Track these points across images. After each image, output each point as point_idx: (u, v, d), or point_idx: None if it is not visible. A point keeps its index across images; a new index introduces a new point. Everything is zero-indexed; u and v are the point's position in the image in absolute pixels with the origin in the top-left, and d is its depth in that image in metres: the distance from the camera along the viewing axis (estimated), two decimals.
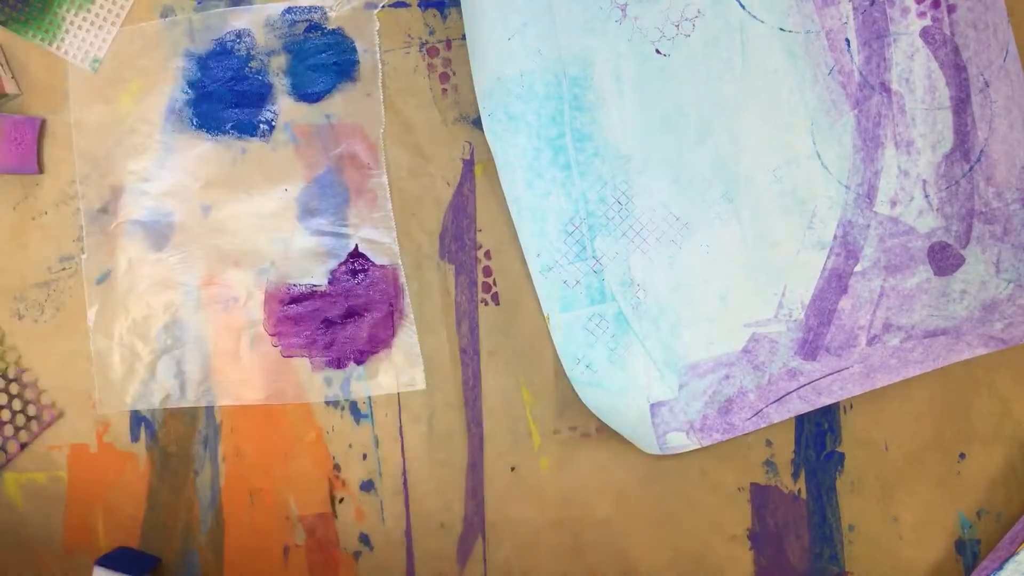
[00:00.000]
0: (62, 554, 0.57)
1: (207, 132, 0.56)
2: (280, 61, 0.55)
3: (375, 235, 0.55)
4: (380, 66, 0.55)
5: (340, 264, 0.55)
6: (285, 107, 0.55)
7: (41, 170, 0.56)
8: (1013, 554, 0.51)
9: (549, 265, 0.52)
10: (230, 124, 0.56)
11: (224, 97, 0.56)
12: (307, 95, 0.55)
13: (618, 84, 0.52)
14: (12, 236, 0.57)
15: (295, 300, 0.55)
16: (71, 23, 0.55)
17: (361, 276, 0.55)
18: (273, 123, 0.55)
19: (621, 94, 0.52)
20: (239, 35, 0.56)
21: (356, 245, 0.55)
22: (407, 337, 0.55)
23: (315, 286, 0.55)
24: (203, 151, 0.56)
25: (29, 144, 0.55)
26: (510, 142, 0.52)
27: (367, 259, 0.55)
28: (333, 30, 0.55)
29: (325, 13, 0.55)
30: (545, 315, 0.53)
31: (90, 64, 0.56)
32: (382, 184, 0.55)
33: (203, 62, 0.56)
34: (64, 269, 0.56)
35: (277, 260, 0.55)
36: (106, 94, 0.56)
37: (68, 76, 0.56)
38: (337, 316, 0.55)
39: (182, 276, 0.56)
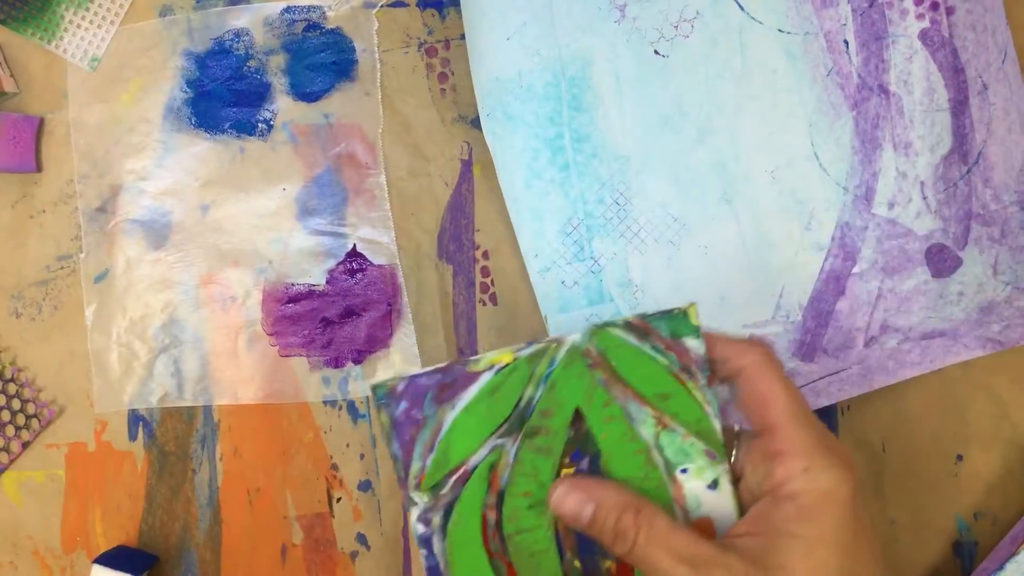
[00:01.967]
0: (60, 553, 0.57)
1: (206, 131, 0.56)
2: (279, 60, 0.56)
3: (373, 235, 0.55)
4: (379, 66, 0.55)
5: (338, 264, 0.55)
6: (284, 106, 0.55)
7: (39, 169, 0.57)
8: (1013, 554, 0.51)
9: (547, 266, 0.53)
10: (229, 123, 0.56)
11: (223, 96, 0.56)
12: (306, 94, 0.55)
13: (617, 84, 0.52)
14: (10, 235, 0.57)
15: (293, 299, 0.56)
16: (70, 22, 0.55)
17: (359, 276, 0.55)
18: (271, 122, 0.55)
19: (620, 94, 0.52)
20: (238, 34, 0.56)
21: (354, 245, 0.55)
22: (405, 337, 0.55)
23: (313, 286, 0.56)
24: (202, 150, 0.56)
25: (27, 143, 0.55)
26: (508, 142, 0.52)
27: (365, 259, 0.55)
28: (332, 29, 0.56)
29: (324, 12, 0.55)
30: (543, 316, 0.53)
31: (89, 63, 0.56)
32: (380, 184, 0.55)
33: (202, 61, 0.56)
34: (62, 268, 0.57)
35: (275, 259, 0.56)
36: (105, 93, 0.56)
37: (67, 75, 0.56)
38: (335, 315, 0.55)
39: (180, 275, 0.56)
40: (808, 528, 0.35)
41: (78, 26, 0.56)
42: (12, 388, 0.57)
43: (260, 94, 0.56)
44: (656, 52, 0.52)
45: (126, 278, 0.56)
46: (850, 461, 0.36)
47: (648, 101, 0.52)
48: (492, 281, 0.55)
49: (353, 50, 0.55)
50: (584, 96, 0.52)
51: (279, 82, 0.56)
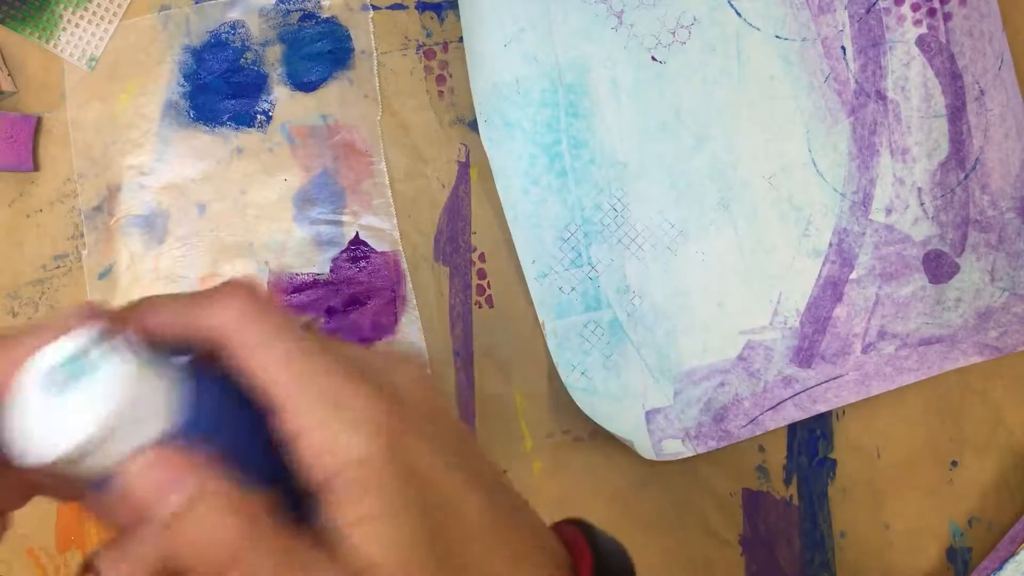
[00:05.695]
0: (54, 552, 0.59)
1: (204, 124, 0.58)
2: (275, 51, 0.58)
3: (375, 222, 0.57)
4: (377, 67, 0.58)
5: (341, 252, 0.57)
6: (281, 98, 0.58)
7: (37, 168, 0.59)
8: (1013, 554, 0.53)
9: (544, 272, 0.55)
10: (227, 116, 0.58)
11: (220, 89, 0.58)
12: (303, 84, 0.58)
13: (614, 91, 0.55)
14: (7, 234, 0.59)
15: (298, 289, 0.57)
16: (68, 21, 0.58)
17: (362, 263, 0.57)
18: (270, 113, 0.58)
19: (617, 101, 0.55)
20: (233, 26, 0.58)
21: (356, 233, 0.57)
22: (410, 323, 0.57)
23: (317, 275, 0.57)
24: (201, 144, 0.58)
25: (24, 142, 0.58)
26: (506, 148, 0.55)
27: (368, 246, 0.57)
28: (327, 19, 0.58)
29: (319, 2, 0.58)
30: (540, 322, 0.55)
31: (87, 63, 0.58)
32: (381, 171, 0.57)
33: (199, 55, 0.58)
34: (58, 267, 0.59)
35: (278, 250, 0.58)
36: (103, 91, 0.58)
37: (64, 74, 0.58)
38: (340, 304, 0.57)
39: (183, 270, 0.58)
40: (360, 509, 0.29)
41: (76, 25, 0.58)
42: None
43: (258, 85, 0.58)
44: (654, 58, 0.55)
45: (130, 274, 0.58)
46: (371, 406, 0.30)
47: (646, 107, 0.55)
48: (488, 284, 0.58)
49: (349, 39, 0.58)
50: (582, 102, 0.55)
51: (276, 73, 0.58)
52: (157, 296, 0.31)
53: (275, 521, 0.29)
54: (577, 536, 0.37)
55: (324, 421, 0.29)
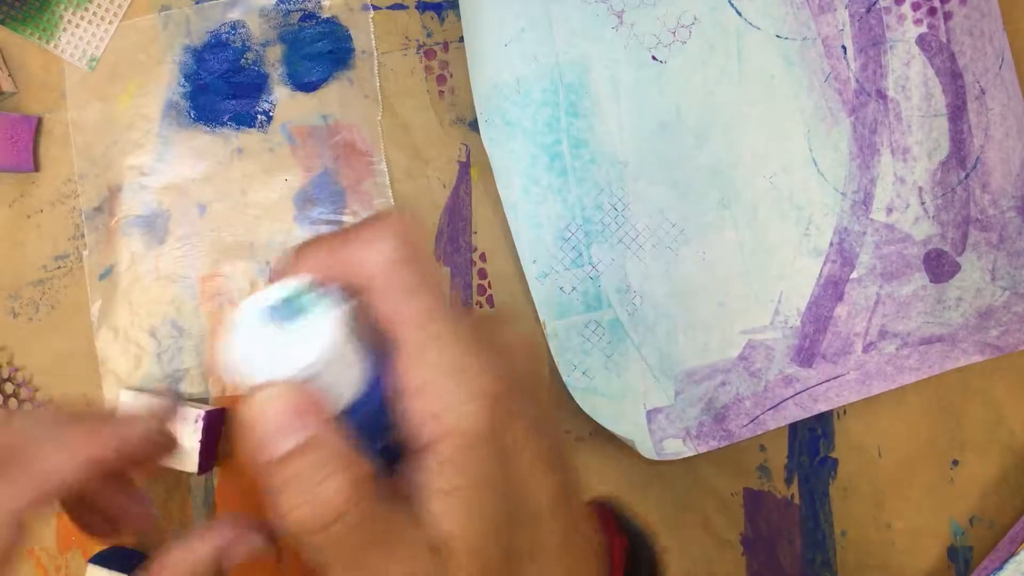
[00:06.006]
0: (55, 552, 0.60)
1: (205, 125, 0.59)
2: (276, 51, 0.58)
3: None
4: (377, 67, 0.58)
5: None
6: (282, 98, 0.58)
7: (37, 168, 0.60)
8: (1013, 554, 0.53)
9: (545, 272, 0.55)
10: (228, 116, 0.59)
11: (221, 89, 0.59)
12: (304, 84, 0.58)
13: (615, 90, 0.55)
14: (8, 234, 0.60)
15: None
16: (69, 21, 0.58)
17: None
18: (271, 113, 0.58)
19: (617, 100, 0.55)
20: (234, 26, 0.58)
21: None
22: None
23: None
24: (201, 144, 0.59)
25: (25, 142, 0.59)
26: (507, 148, 0.55)
27: None
28: (327, 19, 0.58)
29: (319, 2, 0.58)
30: (542, 321, 0.56)
31: (87, 63, 0.59)
32: (382, 171, 0.58)
33: (199, 55, 0.59)
34: (59, 268, 0.60)
35: (278, 250, 0.58)
36: (103, 92, 0.59)
37: (65, 74, 0.59)
38: None
39: (184, 270, 0.59)
40: (447, 480, 0.29)
41: (76, 25, 0.58)
42: (9, 387, 0.60)
43: (258, 85, 0.59)
44: (654, 58, 0.55)
45: (130, 274, 0.59)
46: (488, 380, 0.29)
47: (646, 107, 0.55)
48: (489, 283, 0.58)
49: (349, 39, 0.58)
50: (582, 102, 0.55)
51: (276, 73, 0.58)
52: (306, 241, 0.31)
53: (375, 487, 0.29)
54: (608, 517, 0.37)
55: (444, 386, 0.29)
